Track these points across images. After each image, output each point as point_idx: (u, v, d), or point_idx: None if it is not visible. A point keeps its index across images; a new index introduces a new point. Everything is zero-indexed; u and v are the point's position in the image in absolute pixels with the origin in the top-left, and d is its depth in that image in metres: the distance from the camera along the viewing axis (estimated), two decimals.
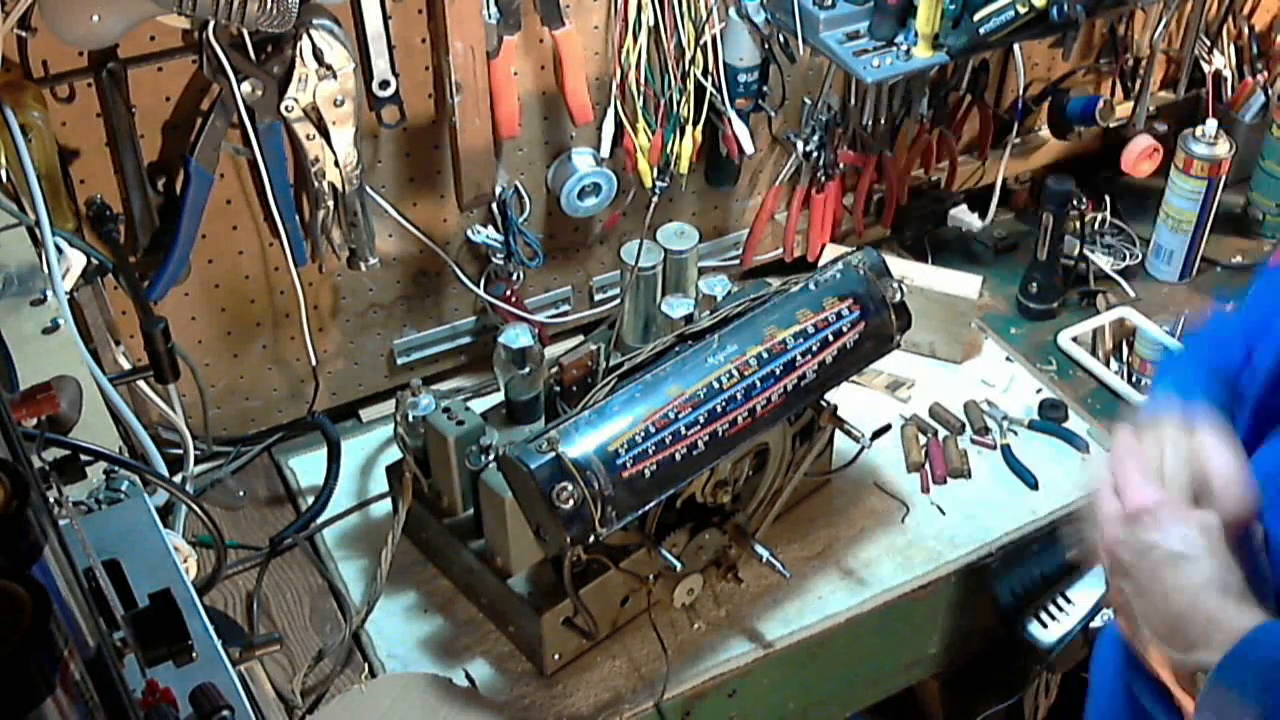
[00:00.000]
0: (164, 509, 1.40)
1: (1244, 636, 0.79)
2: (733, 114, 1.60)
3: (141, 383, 1.36)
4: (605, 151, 1.59)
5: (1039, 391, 1.70)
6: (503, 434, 1.35)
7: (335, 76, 1.33)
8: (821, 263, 1.67)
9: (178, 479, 1.41)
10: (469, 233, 1.60)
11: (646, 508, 1.21)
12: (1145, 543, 0.86)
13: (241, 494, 1.56)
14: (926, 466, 1.58)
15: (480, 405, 1.48)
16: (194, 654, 0.80)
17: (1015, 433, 1.63)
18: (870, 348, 1.34)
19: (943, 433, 1.62)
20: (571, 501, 1.13)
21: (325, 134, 1.37)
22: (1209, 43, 1.96)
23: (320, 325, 1.59)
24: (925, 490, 1.55)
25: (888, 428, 1.50)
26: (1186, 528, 0.84)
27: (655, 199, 1.61)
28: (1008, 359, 1.75)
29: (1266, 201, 1.95)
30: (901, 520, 1.52)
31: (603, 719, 1.31)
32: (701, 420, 1.21)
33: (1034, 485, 1.56)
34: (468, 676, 1.35)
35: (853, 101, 1.74)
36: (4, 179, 1.15)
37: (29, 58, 1.24)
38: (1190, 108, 2.00)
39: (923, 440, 1.61)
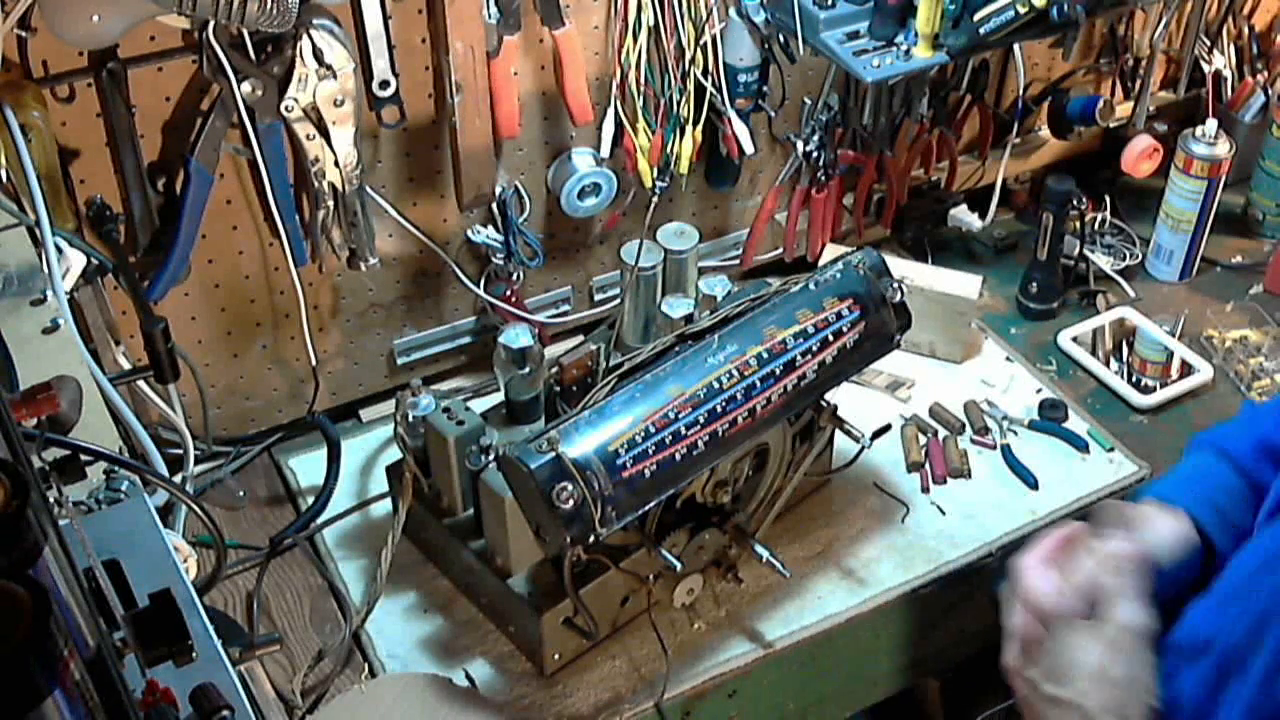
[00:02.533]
0: (164, 509, 1.40)
1: None
2: (733, 114, 1.60)
3: (141, 383, 1.36)
4: (605, 151, 1.59)
5: (1039, 391, 1.70)
6: (503, 434, 1.35)
7: (335, 76, 1.33)
8: (821, 263, 1.67)
9: (178, 479, 1.41)
10: (469, 233, 1.60)
11: (646, 508, 1.21)
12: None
13: (241, 494, 1.56)
14: (926, 466, 1.58)
15: (480, 405, 1.48)
16: (194, 654, 0.80)
17: (1015, 433, 1.63)
18: (870, 348, 1.34)
19: (943, 433, 1.62)
20: (571, 501, 1.13)
21: (325, 134, 1.37)
22: (1209, 43, 1.96)
23: (320, 325, 1.59)
24: (925, 490, 1.55)
25: (888, 428, 1.50)
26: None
27: (655, 199, 1.61)
28: (1008, 359, 1.75)
29: (1266, 201, 1.95)
30: (901, 520, 1.52)
31: (603, 719, 1.31)
32: (701, 420, 1.21)
33: (1034, 485, 1.56)
34: (468, 676, 1.35)
35: (853, 101, 1.74)
36: (4, 179, 1.15)
37: (29, 58, 1.24)
38: (1190, 108, 2.00)
39: (923, 440, 1.61)
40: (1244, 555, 0.93)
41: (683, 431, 1.19)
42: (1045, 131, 1.98)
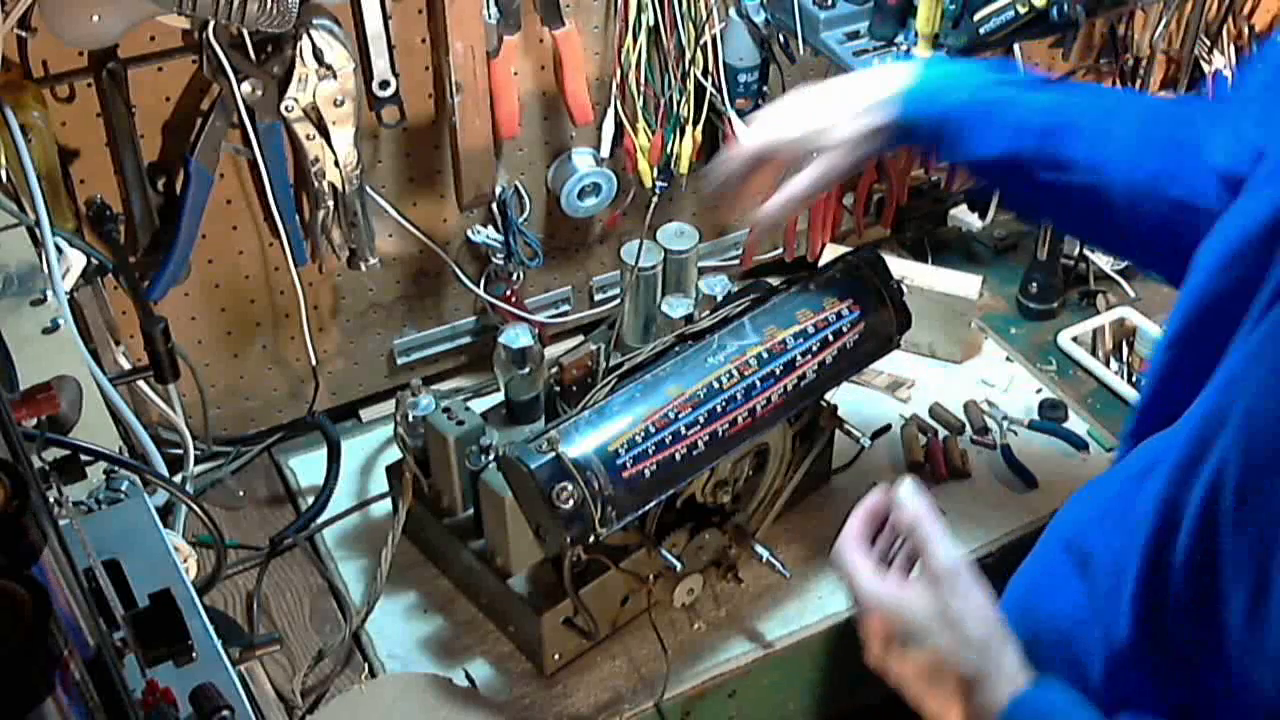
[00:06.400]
0: (164, 509, 1.40)
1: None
2: (733, 114, 1.60)
3: (141, 383, 1.36)
4: (605, 151, 1.59)
5: (1039, 391, 1.70)
6: (503, 434, 1.35)
7: (335, 76, 1.33)
8: (821, 263, 1.67)
9: (178, 479, 1.41)
10: (469, 233, 1.60)
11: (646, 508, 1.21)
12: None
13: (241, 494, 1.56)
14: (926, 466, 1.58)
15: (480, 405, 1.48)
16: (194, 654, 0.80)
17: (1015, 433, 1.63)
18: (870, 348, 1.34)
19: (943, 433, 1.62)
20: (571, 501, 1.13)
21: (325, 134, 1.37)
22: (1209, 43, 1.96)
23: (320, 325, 1.59)
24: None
25: (888, 428, 1.50)
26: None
27: (655, 199, 1.61)
28: (1008, 359, 1.76)
29: None
30: None
31: (603, 719, 1.32)
32: (701, 420, 1.21)
33: (1034, 485, 1.56)
34: (468, 676, 1.35)
35: None
36: (4, 179, 1.15)
37: (29, 58, 1.24)
38: None
39: (923, 440, 1.61)
40: (1126, 463, 0.94)
41: (683, 431, 1.19)
42: None
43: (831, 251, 1.76)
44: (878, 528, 1.01)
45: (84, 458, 1.02)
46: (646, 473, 1.17)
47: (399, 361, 1.67)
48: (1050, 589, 0.95)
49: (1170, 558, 0.79)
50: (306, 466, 1.59)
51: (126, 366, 1.34)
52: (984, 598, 0.91)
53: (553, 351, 1.60)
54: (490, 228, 1.60)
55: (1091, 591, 0.89)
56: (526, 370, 1.41)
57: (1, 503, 0.59)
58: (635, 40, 1.51)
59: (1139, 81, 1.94)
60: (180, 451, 1.42)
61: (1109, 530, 0.89)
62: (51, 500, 0.86)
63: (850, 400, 1.49)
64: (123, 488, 1.08)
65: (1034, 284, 1.81)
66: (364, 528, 1.52)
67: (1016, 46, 1.80)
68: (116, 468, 1.08)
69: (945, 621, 0.89)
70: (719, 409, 1.22)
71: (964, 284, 1.70)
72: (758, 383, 1.24)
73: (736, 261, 1.83)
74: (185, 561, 1.12)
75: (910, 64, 1.17)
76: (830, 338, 1.30)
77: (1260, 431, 0.72)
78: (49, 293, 1.13)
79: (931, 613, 0.90)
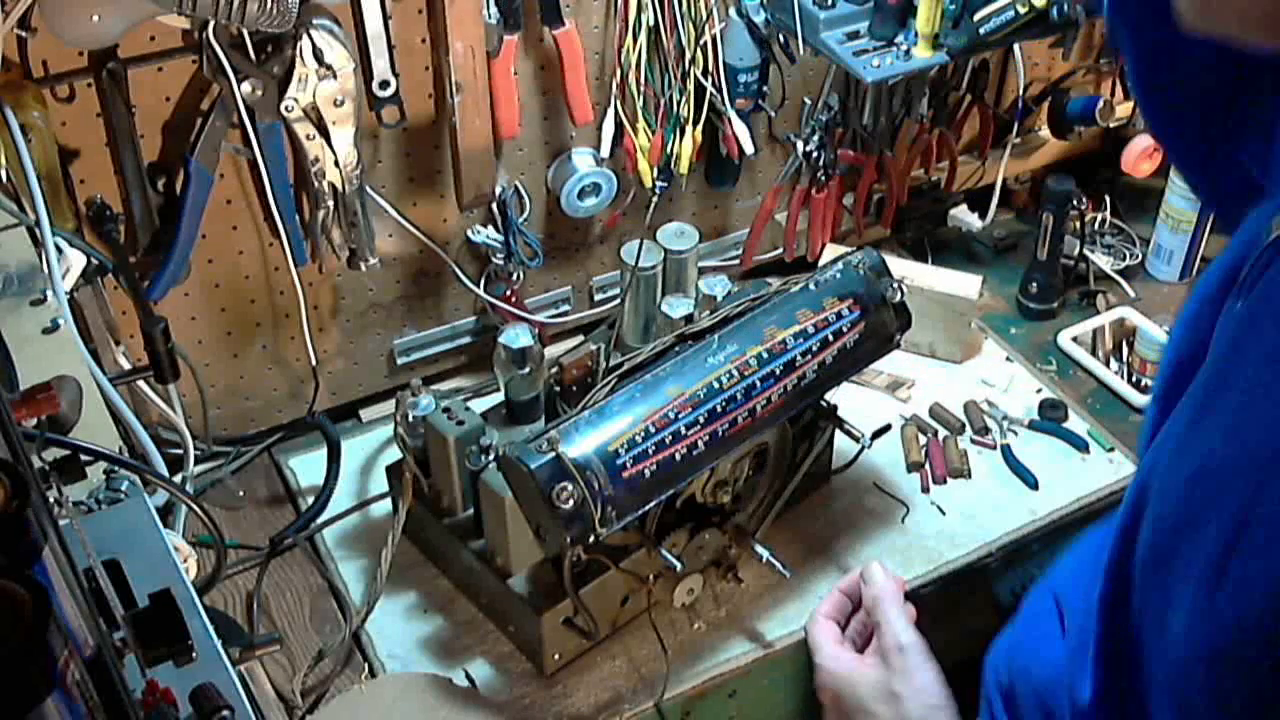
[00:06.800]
0: (164, 509, 1.40)
1: None
2: (733, 114, 1.60)
3: (141, 383, 1.36)
4: (605, 151, 1.59)
5: (1039, 391, 1.70)
6: (503, 434, 1.35)
7: (335, 76, 1.33)
8: (821, 263, 1.67)
9: (178, 479, 1.40)
10: (469, 233, 1.60)
11: (646, 508, 1.21)
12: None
13: (241, 494, 1.56)
14: (926, 466, 1.58)
15: (480, 405, 1.48)
16: (194, 654, 0.80)
17: (1015, 433, 1.63)
18: (870, 348, 1.34)
19: (943, 433, 1.62)
20: (571, 501, 1.13)
21: (325, 134, 1.37)
22: None
23: (320, 325, 1.59)
24: (925, 490, 1.55)
25: (888, 428, 1.50)
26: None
27: (655, 199, 1.61)
28: (1008, 359, 1.76)
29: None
30: (901, 520, 1.52)
31: (603, 719, 1.32)
32: (701, 420, 1.21)
33: (1034, 485, 1.56)
34: (468, 676, 1.35)
35: (853, 101, 1.74)
36: (4, 179, 1.15)
37: (29, 58, 1.24)
38: None
39: (923, 440, 1.61)
40: (1106, 523, 0.92)
41: (683, 431, 1.19)
42: (1045, 131, 1.98)
43: (831, 251, 1.76)
44: (855, 604, 1.08)
45: (84, 458, 1.02)
46: (646, 473, 1.17)
47: (399, 361, 1.67)
48: (1034, 640, 0.95)
49: (1124, 622, 0.76)
50: (306, 466, 1.59)
51: (126, 366, 1.34)
52: (929, 677, 0.97)
53: (553, 351, 1.60)
54: (490, 228, 1.60)
55: (1067, 647, 0.88)
56: (526, 370, 1.41)
57: (1, 503, 0.59)
58: (635, 40, 1.51)
59: None
60: (180, 451, 1.42)
61: (1086, 584, 0.88)
62: (51, 500, 0.86)
63: (850, 400, 1.49)
64: (123, 488, 1.08)
65: (1034, 284, 1.81)
66: (364, 528, 1.52)
67: (1016, 46, 1.80)
68: (116, 468, 1.08)
69: (888, 697, 0.96)
70: (719, 409, 1.22)
71: (964, 284, 1.70)
72: (758, 383, 1.24)
73: (736, 261, 1.83)
74: (185, 561, 1.12)
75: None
76: (830, 338, 1.30)
77: (1164, 514, 0.70)
78: (49, 293, 1.13)
79: (878, 688, 0.98)
